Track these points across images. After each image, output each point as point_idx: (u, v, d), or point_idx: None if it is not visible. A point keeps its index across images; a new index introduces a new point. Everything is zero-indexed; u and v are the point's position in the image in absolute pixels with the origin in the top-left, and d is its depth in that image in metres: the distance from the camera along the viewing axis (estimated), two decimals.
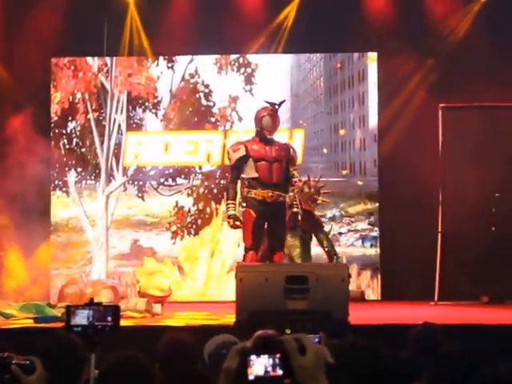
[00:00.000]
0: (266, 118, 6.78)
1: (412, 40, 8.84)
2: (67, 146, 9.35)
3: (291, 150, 6.98)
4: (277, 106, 6.82)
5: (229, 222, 6.80)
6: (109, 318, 3.26)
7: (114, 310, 3.28)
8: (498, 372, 2.19)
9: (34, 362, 2.33)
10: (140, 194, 9.29)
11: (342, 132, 9.36)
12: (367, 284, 9.08)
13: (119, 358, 2.98)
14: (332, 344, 2.98)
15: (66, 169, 9.31)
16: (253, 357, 1.69)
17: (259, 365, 1.69)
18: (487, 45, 8.59)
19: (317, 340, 3.15)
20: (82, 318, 3.28)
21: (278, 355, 1.69)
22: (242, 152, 6.77)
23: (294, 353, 1.67)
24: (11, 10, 9.02)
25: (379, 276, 9.04)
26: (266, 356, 1.69)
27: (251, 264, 6.43)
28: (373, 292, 9.04)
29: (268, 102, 6.87)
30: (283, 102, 6.95)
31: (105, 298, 7.94)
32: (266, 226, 6.76)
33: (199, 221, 9.26)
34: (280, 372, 1.68)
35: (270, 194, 6.67)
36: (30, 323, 6.47)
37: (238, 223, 6.73)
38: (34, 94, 9.08)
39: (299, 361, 1.68)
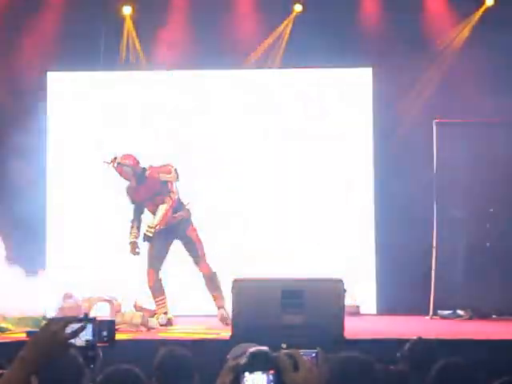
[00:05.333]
0: None
1: (407, 55, 8.90)
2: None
3: (160, 176, 7.52)
4: (111, 163, 7.59)
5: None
6: (104, 333, 3.26)
7: (110, 325, 3.29)
8: None
9: (30, 378, 2.34)
10: None
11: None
12: (361, 296, 9.10)
13: (117, 372, 3.00)
14: (328, 358, 3.00)
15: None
16: (246, 373, 1.71)
17: (253, 381, 1.70)
18: (482, 61, 8.65)
19: (314, 355, 3.16)
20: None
21: (271, 372, 1.70)
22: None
23: (287, 369, 1.69)
24: (7, 24, 9.07)
25: (375, 289, 9.06)
26: (260, 372, 1.70)
27: (248, 278, 6.46)
28: (368, 305, 9.06)
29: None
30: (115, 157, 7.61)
31: (101, 311, 7.93)
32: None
33: None
34: None
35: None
36: (24, 337, 6.46)
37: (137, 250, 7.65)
38: (30, 109, 9.12)
39: (292, 377, 1.70)
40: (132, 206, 7.77)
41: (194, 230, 7.59)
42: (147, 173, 7.59)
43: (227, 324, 6.99)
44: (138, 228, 7.64)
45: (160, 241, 7.52)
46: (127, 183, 7.68)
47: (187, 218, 7.59)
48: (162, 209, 7.48)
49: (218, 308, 7.46)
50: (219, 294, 7.46)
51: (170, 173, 7.52)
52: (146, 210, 7.71)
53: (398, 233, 8.86)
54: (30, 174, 8.95)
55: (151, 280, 7.53)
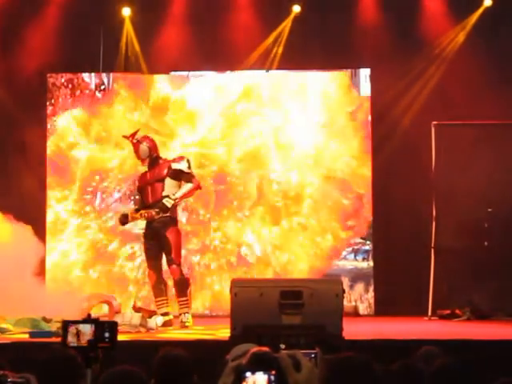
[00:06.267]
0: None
1: (405, 56, 8.94)
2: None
3: (172, 164, 7.50)
4: (130, 138, 7.56)
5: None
6: (106, 334, 3.26)
7: (112, 326, 3.29)
8: None
9: (30, 380, 2.35)
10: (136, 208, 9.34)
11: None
12: (359, 297, 9.14)
13: (116, 374, 3.01)
14: (327, 359, 3.01)
15: None
16: (248, 373, 1.73)
17: (254, 381, 1.72)
18: (480, 62, 8.68)
19: (313, 356, 3.16)
20: (77, 334, 3.27)
21: (273, 372, 1.72)
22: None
23: (289, 369, 1.71)
24: (7, 27, 9.10)
25: (372, 289, 9.11)
26: (261, 373, 1.72)
27: (246, 279, 6.50)
28: (365, 305, 9.11)
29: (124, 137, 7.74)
30: (136, 131, 7.65)
31: (99, 312, 7.94)
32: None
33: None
34: None
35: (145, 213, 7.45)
36: (25, 338, 6.47)
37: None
38: (30, 110, 9.15)
39: (294, 377, 1.71)
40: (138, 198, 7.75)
41: (176, 231, 7.49)
42: (160, 160, 7.59)
43: (186, 327, 7.21)
44: (138, 211, 7.58)
45: (150, 241, 7.51)
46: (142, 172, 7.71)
47: (173, 218, 7.50)
48: (186, 186, 7.47)
49: (180, 314, 7.44)
50: (184, 300, 7.43)
51: (181, 162, 7.52)
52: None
53: (397, 233, 8.89)
54: (31, 174, 9.00)
55: (151, 280, 7.53)
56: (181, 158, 7.64)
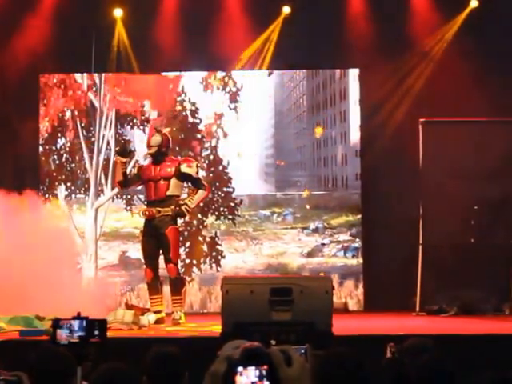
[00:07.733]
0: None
1: (393, 56, 9.00)
2: (57, 162, 9.48)
3: (182, 166, 7.48)
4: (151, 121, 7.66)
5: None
6: (96, 332, 3.29)
7: (101, 324, 3.32)
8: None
9: (22, 378, 2.38)
10: (128, 208, 9.40)
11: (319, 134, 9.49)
12: (348, 293, 9.21)
13: (108, 370, 3.05)
14: (316, 355, 3.07)
15: (56, 183, 9.44)
16: (240, 368, 1.77)
17: (246, 376, 1.76)
18: (467, 61, 8.76)
19: (303, 351, 3.21)
20: (68, 331, 3.29)
21: (264, 367, 1.76)
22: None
23: (280, 364, 1.75)
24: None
25: (361, 286, 9.18)
26: (253, 368, 1.76)
27: (237, 276, 6.55)
28: (354, 302, 9.18)
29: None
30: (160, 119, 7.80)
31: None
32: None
33: (185, 233, 9.37)
34: (266, 383, 1.75)
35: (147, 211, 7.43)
36: (16, 336, 6.49)
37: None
38: (22, 111, 9.16)
39: (286, 372, 1.75)
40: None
41: (175, 230, 7.50)
42: (167, 158, 7.58)
43: (178, 324, 7.28)
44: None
45: (149, 238, 7.53)
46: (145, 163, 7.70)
47: (173, 217, 7.51)
48: (200, 194, 7.52)
49: (173, 311, 7.50)
50: (178, 299, 7.48)
51: (191, 166, 7.54)
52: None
53: (385, 231, 8.96)
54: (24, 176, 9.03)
55: (147, 278, 7.55)
56: (190, 161, 7.64)
